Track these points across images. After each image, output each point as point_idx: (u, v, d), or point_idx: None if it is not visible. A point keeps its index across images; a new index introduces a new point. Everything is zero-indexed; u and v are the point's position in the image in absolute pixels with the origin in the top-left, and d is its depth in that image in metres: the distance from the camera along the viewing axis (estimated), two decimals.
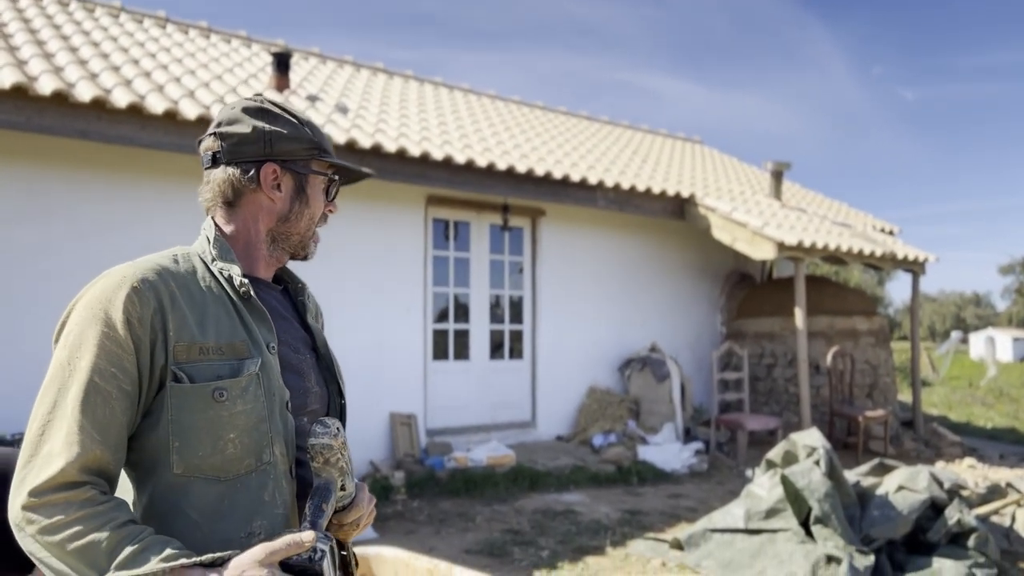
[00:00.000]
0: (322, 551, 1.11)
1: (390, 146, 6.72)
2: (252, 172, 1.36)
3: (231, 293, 1.30)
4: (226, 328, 1.26)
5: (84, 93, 5.34)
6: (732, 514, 5.00)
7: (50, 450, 1.11)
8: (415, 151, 6.85)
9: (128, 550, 1.08)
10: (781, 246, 8.17)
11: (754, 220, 8.53)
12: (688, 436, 8.94)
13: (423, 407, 7.61)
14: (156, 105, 5.60)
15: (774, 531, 4.76)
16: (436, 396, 7.83)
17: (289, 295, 1.50)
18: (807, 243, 8.32)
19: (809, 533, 4.65)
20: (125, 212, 6.00)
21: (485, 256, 8.37)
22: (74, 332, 1.18)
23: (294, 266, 1.63)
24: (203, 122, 5.76)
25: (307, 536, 1.11)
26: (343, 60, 10.26)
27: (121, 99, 5.48)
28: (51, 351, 1.22)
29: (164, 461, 1.19)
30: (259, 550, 1.09)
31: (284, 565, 1.10)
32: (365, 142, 6.57)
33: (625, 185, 8.42)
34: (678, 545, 5.14)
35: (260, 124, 1.36)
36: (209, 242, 1.35)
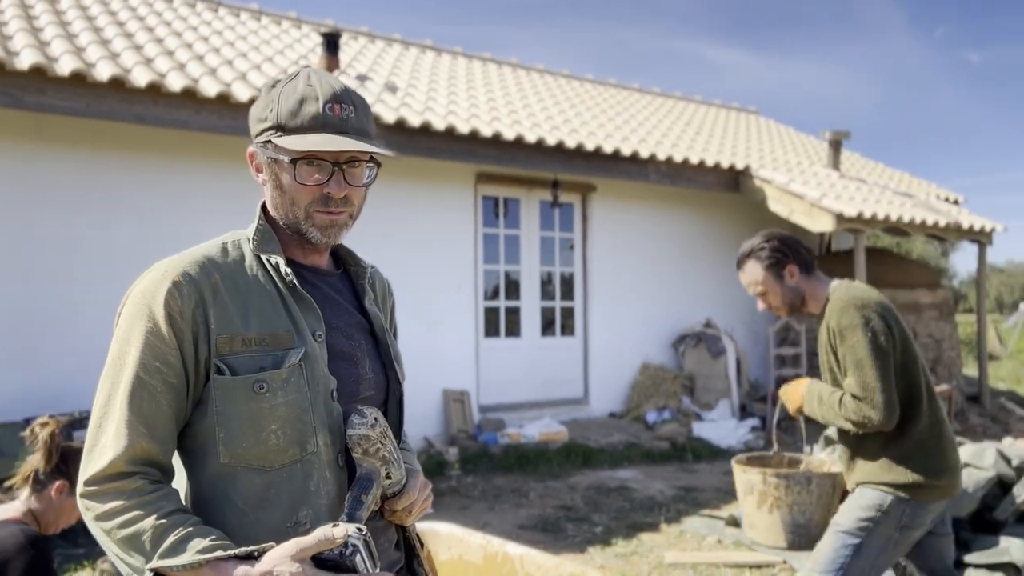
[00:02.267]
0: (354, 546, 1.10)
1: (439, 124, 6.71)
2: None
3: (277, 281, 1.29)
4: (269, 318, 1.25)
5: (140, 78, 5.44)
6: None
7: (104, 443, 1.16)
8: (464, 128, 6.83)
9: (171, 539, 1.10)
10: (840, 218, 7.95)
11: (811, 192, 8.31)
12: (744, 412, 8.82)
13: (476, 384, 7.65)
14: (209, 88, 5.68)
15: None
16: (488, 373, 7.86)
17: (350, 278, 1.46)
18: (867, 214, 8.09)
19: None
20: (181, 195, 6.12)
21: (535, 233, 8.34)
22: (123, 327, 1.22)
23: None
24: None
25: (338, 532, 1.10)
26: (392, 38, 10.27)
27: (176, 83, 5.57)
28: (110, 329, 1.26)
29: (212, 450, 1.21)
30: (291, 545, 1.10)
31: (317, 560, 1.10)
32: (414, 120, 6.57)
33: (677, 158, 8.28)
34: (734, 522, 5.08)
35: (257, 103, 1.35)
36: (254, 227, 1.35)
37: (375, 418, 1.22)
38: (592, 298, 8.58)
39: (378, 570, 1.14)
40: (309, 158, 1.27)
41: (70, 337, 5.59)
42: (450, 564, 3.55)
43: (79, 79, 5.23)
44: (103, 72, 5.33)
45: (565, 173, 7.84)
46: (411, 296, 7.21)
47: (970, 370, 11.96)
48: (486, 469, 6.77)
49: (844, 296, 2.65)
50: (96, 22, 6.65)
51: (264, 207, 1.38)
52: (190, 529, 1.12)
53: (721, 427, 8.00)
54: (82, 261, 5.73)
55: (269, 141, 1.29)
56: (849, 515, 2.62)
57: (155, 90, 5.48)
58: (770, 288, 2.78)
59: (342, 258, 1.48)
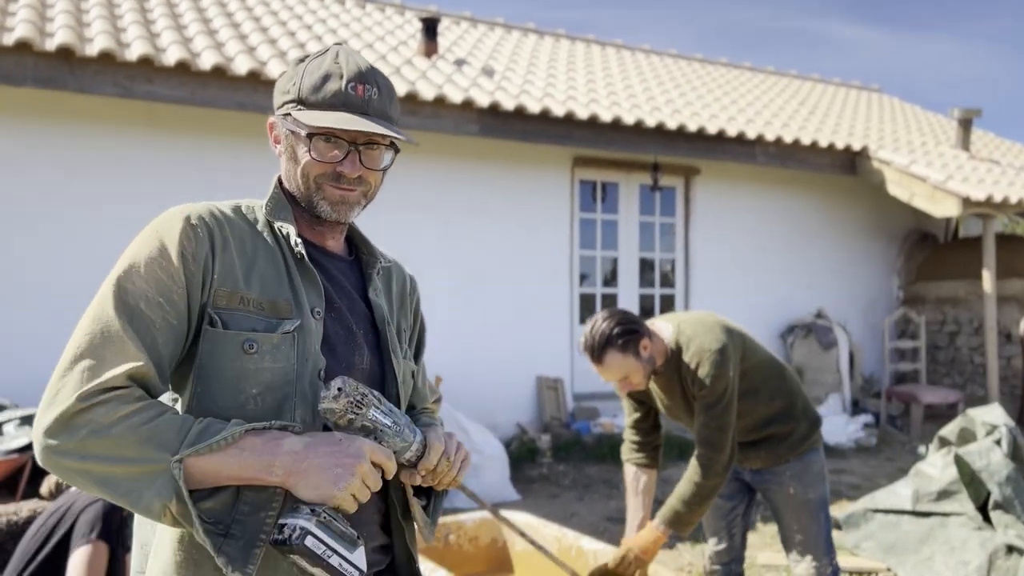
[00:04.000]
0: (303, 530, 1.05)
1: (533, 107, 6.61)
2: None
3: (286, 250, 1.27)
4: (271, 285, 1.23)
5: (241, 67, 5.59)
6: (898, 494, 4.58)
7: (94, 364, 1.07)
8: (559, 111, 6.70)
9: (196, 428, 1.08)
10: (966, 202, 7.36)
11: (935, 174, 7.73)
12: (856, 408, 8.34)
13: (570, 371, 7.54)
14: None
15: (945, 515, 4.31)
16: (583, 361, 7.70)
17: (361, 267, 1.43)
18: (997, 198, 7.45)
19: (987, 519, 4.18)
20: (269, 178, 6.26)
21: (634, 218, 8.12)
22: (128, 254, 1.17)
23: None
24: None
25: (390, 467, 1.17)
26: (494, 23, 10.22)
27: (275, 71, 5.69)
28: None
29: (184, 406, 1.19)
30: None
31: (274, 542, 1.08)
32: (508, 104, 6.49)
33: (788, 139, 7.87)
34: (836, 525, 4.78)
35: (283, 75, 1.33)
36: (269, 195, 1.34)
37: (339, 388, 1.13)
38: (694, 286, 8.30)
39: (355, 545, 1.11)
40: (326, 135, 1.25)
41: None
42: (526, 555, 3.48)
43: (184, 68, 5.41)
44: (206, 61, 5.50)
45: (666, 156, 7.58)
46: (504, 282, 7.17)
47: None
48: (578, 458, 6.66)
49: (696, 346, 2.58)
50: (206, 13, 6.89)
51: (280, 181, 1.36)
52: (210, 420, 1.11)
53: (830, 423, 7.58)
54: None
55: (289, 114, 1.28)
56: (815, 487, 2.74)
57: (255, 78, 5.62)
58: (632, 369, 2.56)
59: (356, 246, 1.45)
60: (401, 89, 6.08)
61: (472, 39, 9.13)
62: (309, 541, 1.04)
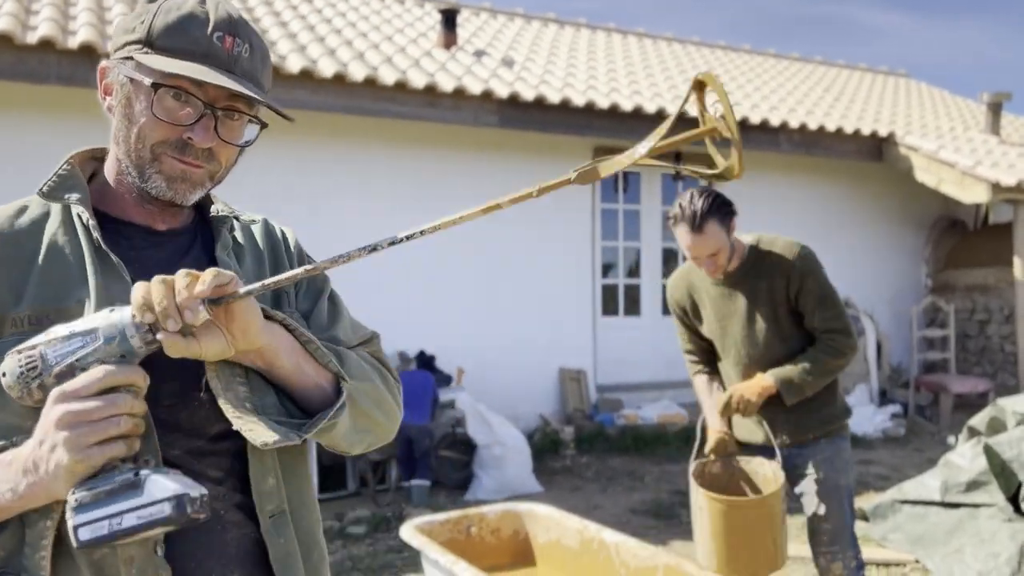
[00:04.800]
0: (72, 528, 0.86)
1: (553, 97, 6.57)
2: None
3: (84, 241, 1.02)
4: (57, 288, 0.99)
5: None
6: (926, 485, 4.51)
7: None
8: (579, 100, 6.66)
9: None
10: (996, 187, 7.22)
11: (964, 159, 7.59)
12: (884, 398, 8.23)
13: (593, 363, 7.51)
14: (326, 69, 5.79)
15: (975, 506, 4.24)
16: (606, 352, 7.69)
17: (212, 234, 1.14)
18: None
19: (1018, 510, 4.10)
20: (297, 170, 6.28)
21: (657, 208, 8.05)
22: None
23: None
24: (370, 83, 5.89)
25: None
26: (513, 13, 10.17)
27: (295, 65, 5.70)
28: None
29: None
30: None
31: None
32: (528, 94, 6.46)
33: (812, 125, 7.76)
34: (863, 516, 4.71)
35: (129, 14, 1.07)
36: (54, 174, 1.07)
37: (2, 373, 0.91)
38: None
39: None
40: (177, 89, 0.99)
41: None
42: (548, 547, 3.47)
43: None
44: None
45: (687, 144, 7.50)
46: (527, 274, 7.15)
47: None
48: (602, 450, 6.64)
49: (784, 241, 2.67)
50: None
51: (73, 159, 1.11)
52: None
53: (858, 413, 7.48)
54: None
55: (131, 57, 1.01)
56: (846, 473, 2.68)
57: (275, 72, 5.62)
58: (723, 247, 2.57)
59: (203, 210, 1.17)
60: (420, 81, 6.07)
61: (491, 30, 9.09)
62: (83, 533, 0.85)
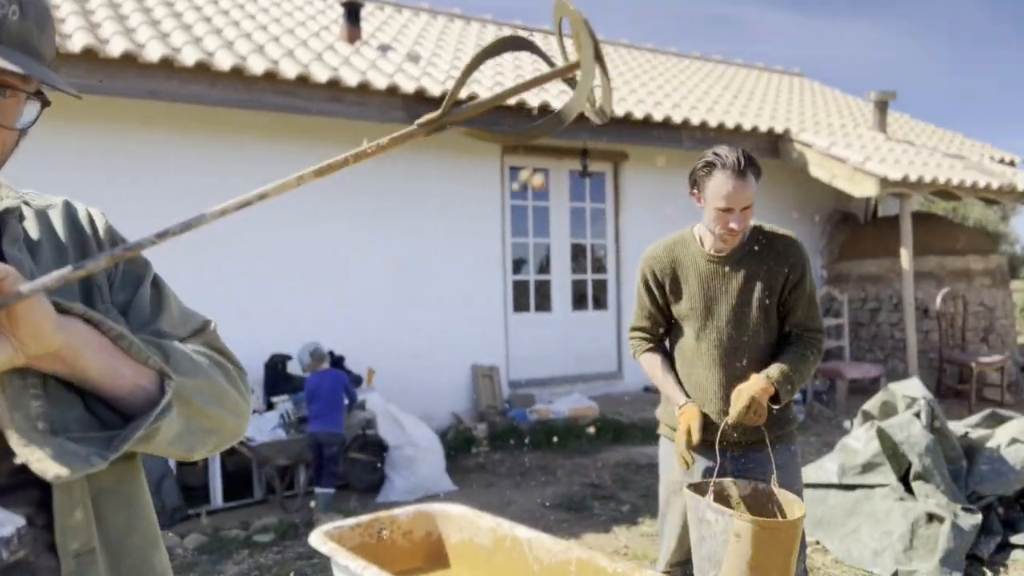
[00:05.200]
0: None
1: (460, 93, 6.52)
2: None
3: None
4: None
5: (153, 53, 5.35)
6: (825, 468, 4.69)
7: None
8: (486, 96, 6.62)
9: None
10: (884, 182, 7.58)
11: (854, 155, 7.94)
12: None
13: (505, 359, 7.52)
14: (224, 62, 5.58)
15: (870, 487, 4.43)
16: (518, 348, 7.71)
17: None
18: (912, 178, 7.69)
19: (909, 489, 4.31)
20: (198, 169, 6.04)
21: (565, 204, 8.12)
22: None
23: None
24: (271, 77, 5.71)
25: None
26: (418, 8, 10.07)
27: (190, 57, 5.48)
28: None
29: None
30: None
31: None
32: (434, 90, 6.40)
33: (712, 123, 7.97)
34: None
35: None
36: None
37: None
38: (625, 270, 8.35)
39: None
40: None
41: None
42: (461, 547, 3.43)
43: (91, 55, 5.16)
44: (115, 48, 5.25)
45: (594, 141, 7.60)
46: (438, 271, 7.09)
47: None
48: (514, 446, 6.65)
49: (784, 230, 2.67)
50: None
51: None
52: None
53: None
54: None
55: None
56: (799, 481, 2.64)
57: (168, 65, 5.39)
58: (753, 200, 2.53)
59: None
60: (323, 75, 5.92)
61: (396, 25, 8.97)
62: None
